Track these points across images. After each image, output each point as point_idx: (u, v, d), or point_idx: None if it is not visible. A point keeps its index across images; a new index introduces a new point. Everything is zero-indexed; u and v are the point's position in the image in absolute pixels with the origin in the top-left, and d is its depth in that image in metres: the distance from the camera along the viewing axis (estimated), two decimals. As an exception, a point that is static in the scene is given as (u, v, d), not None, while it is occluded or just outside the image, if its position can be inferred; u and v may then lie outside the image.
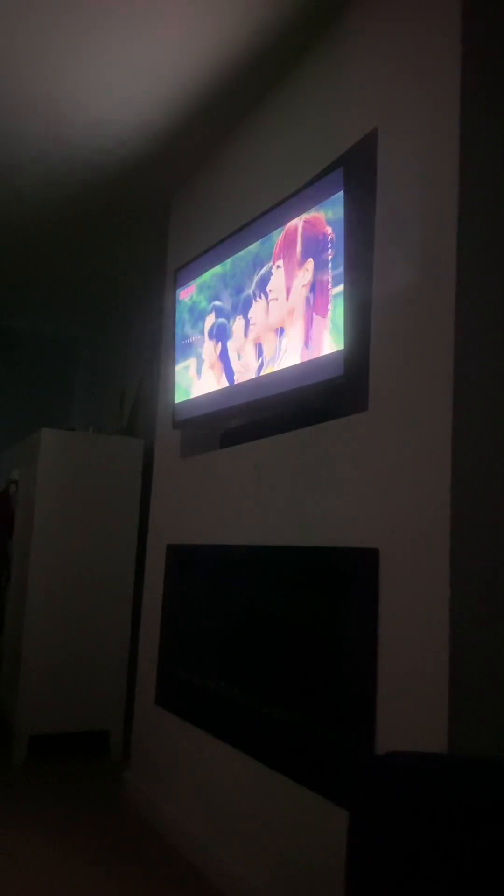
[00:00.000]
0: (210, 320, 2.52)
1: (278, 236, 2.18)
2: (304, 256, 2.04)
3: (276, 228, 2.19)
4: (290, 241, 2.11)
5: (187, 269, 2.75)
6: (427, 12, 1.75)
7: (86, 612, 3.33)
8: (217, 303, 2.47)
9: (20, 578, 3.49)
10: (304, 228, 2.05)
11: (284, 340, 2.11)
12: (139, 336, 4.40)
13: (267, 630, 2.24)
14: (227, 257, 2.47)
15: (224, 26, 2.17)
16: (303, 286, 2.03)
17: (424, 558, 1.55)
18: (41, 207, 3.40)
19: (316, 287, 1.97)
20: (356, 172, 1.92)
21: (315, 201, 2.02)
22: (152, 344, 3.99)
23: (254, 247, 2.31)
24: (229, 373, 2.40)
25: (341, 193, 1.91)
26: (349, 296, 1.88)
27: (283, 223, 2.16)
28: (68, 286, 4.44)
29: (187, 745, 2.45)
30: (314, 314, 1.97)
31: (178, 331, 2.78)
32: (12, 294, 4.67)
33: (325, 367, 1.94)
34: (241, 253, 2.37)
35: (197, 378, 2.60)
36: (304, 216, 2.05)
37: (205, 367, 2.54)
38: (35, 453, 3.43)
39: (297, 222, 2.08)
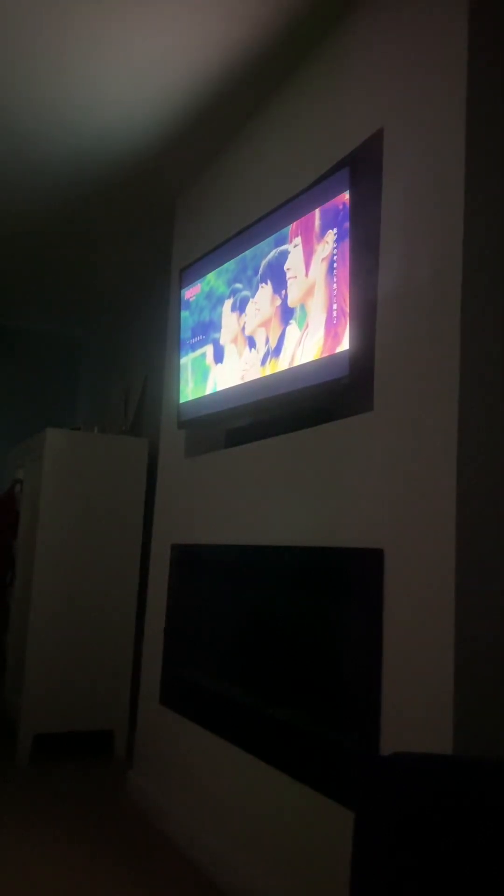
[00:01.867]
0: (229, 303, 2.49)
1: (284, 235, 2.18)
2: (324, 229, 2.02)
3: (282, 228, 2.19)
4: (307, 220, 2.09)
5: (192, 269, 2.75)
6: (433, 11, 1.74)
7: (90, 611, 3.34)
8: (237, 285, 2.44)
9: (24, 578, 3.49)
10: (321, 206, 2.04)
11: (292, 326, 2.10)
12: (144, 336, 4.40)
13: (271, 630, 2.24)
14: (230, 258, 2.47)
15: (229, 26, 2.17)
16: (322, 259, 2.01)
17: (429, 559, 1.55)
18: (46, 207, 3.41)
19: (337, 257, 1.95)
20: (362, 172, 1.92)
21: (321, 201, 2.02)
22: (157, 343, 4.00)
23: (258, 247, 2.31)
24: (253, 345, 2.35)
25: (347, 193, 1.91)
26: (354, 296, 1.88)
27: (288, 223, 2.16)
28: (73, 286, 4.45)
29: (191, 745, 2.45)
30: (337, 284, 1.95)
31: (191, 325, 2.77)
32: (17, 294, 4.68)
33: (330, 367, 1.94)
34: (247, 252, 2.37)
35: (215, 364, 2.55)
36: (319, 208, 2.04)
37: (227, 348, 2.49)
38: (40, 453, 3.44)
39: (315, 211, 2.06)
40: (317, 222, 2.04)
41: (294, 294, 2.12)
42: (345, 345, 1.88)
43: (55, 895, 2.05)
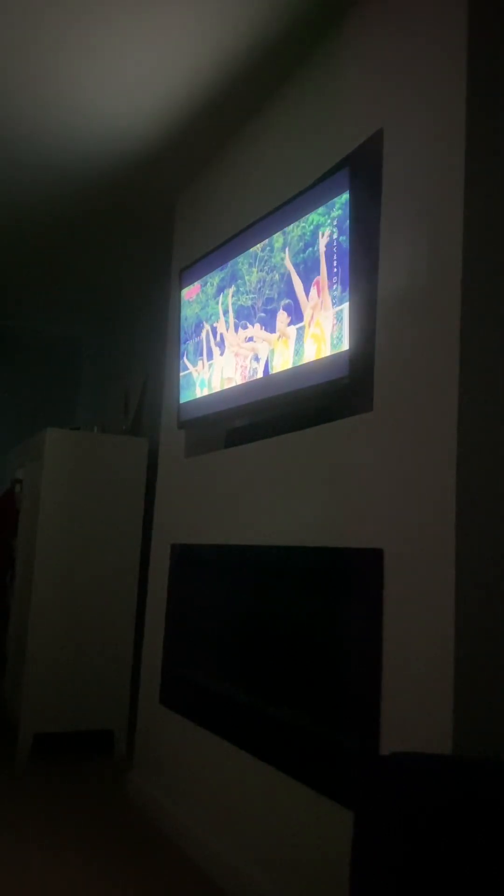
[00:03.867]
0: (230, 303, 2.47)
1: (281, 239, 2.18)
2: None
3: (281, 230, 2.19)
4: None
5: (192, 269, 2.75)
6: (433, 11, 1.74)
7: (90, 611, 3.34)
8: (237, 285, 2.43)
9: (25, 577, 3.49)
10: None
11: (293, 327, 2.11)
12: (144, 336, 4.40)
13: (271, 630, 2.24)
14: (231, 258, 2.47)
15: (229, 27, 2.17)
16: (316, 276, 2.02)
17: (429, 558, 1.55)
18: (46, 207, 3.41)
19: (337, 270, 1.96)
20: (362, 173, 1.92)
21: (320, 202, 2.02)
22: (157, 344, 4.00)
23: (258, 248, 2.31)
24: (254, 345, 2.35)
25: (347, 194, 1.91)
26: (354, 296, 1.88)
27: (288, 223, 2.16)
28: (74, 286, 4.45)
29: (191, 745, 2.45)
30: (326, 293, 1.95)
31: (191, 325, 2.77)
32: (18, 294, 4.68)
33: (329, 368, 1.94)
34: (247, 253, 2.37)
35: (216, 364, 2.54)
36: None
37: (227, 347, 2.48)
38: (40, 453, 3.44)
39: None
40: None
41: (292, 295, 2.13)
42: (344, 345, 1.89)
43: (55, 895, 2.05)
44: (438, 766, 1.15)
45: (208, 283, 2.62)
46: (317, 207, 2.04)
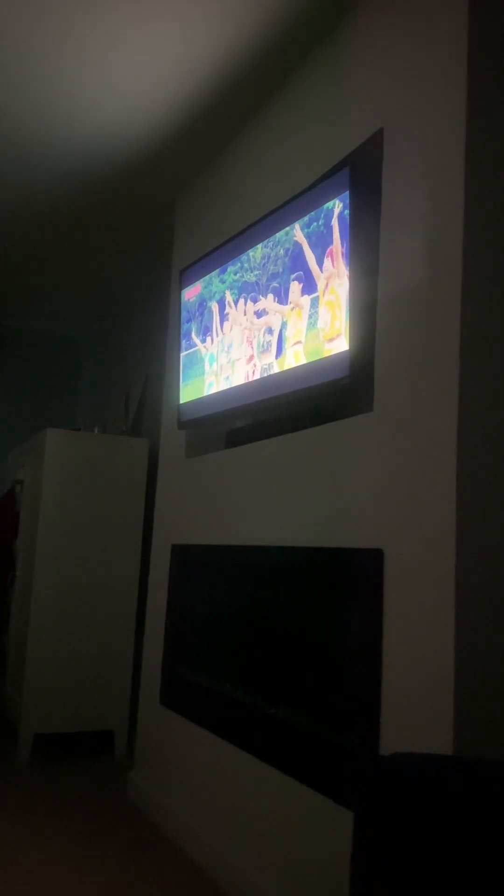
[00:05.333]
0: (230, 303, 2.45)
1: (284, 237, 2.18)
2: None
3: (282, 229, 2.19)
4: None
5: (192, 269, 2.75)
6: (433, 11, 1.74)
7: (91, 611, 3.34)
8: (238, 284, 2.42)
9: (25, 578, 3.49)
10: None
11: (295, 325, 2.10)
12: (144, 336, 4.40)
13: (271, 630, 2.24)
14: (230, 259, 2.47)
15: (230, 26, 2.17)
16: (326, 257, 2.01)
17: (429, 559, 1.55)
18: (46, 207, 3.41)
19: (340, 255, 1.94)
20: (362, 172, 1.92)
21: (321, 202, 2.02)
22: (157, 344, 3.99)
23: (258, 247, 2.31)
24: (256, 344, 2.34)
25: (347, 194, 1.91)
26: (355, 296, 1.87)
27: (289, 223, 2.16)
28: (74, 286, 4.45)
29: (192, 746, 2.45)
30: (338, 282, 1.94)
31: (191, 325, 2.77)
32: (18, 294, 4.68)
33: (330, 368, 1.94)
34: (248, 253, 2.37)
35: (216, 364, 2.54)
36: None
37: (228, 347, 2.47)
38: (40, 453, 3.44)
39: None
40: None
41: (304, 267, 2.10)
42: (345, 345, 1.88)
43: (55, 895, 2.05)
44: (439, 767, 1.15)
45: (210, 278, 2.60)
46: (317, 209, 2.03)
